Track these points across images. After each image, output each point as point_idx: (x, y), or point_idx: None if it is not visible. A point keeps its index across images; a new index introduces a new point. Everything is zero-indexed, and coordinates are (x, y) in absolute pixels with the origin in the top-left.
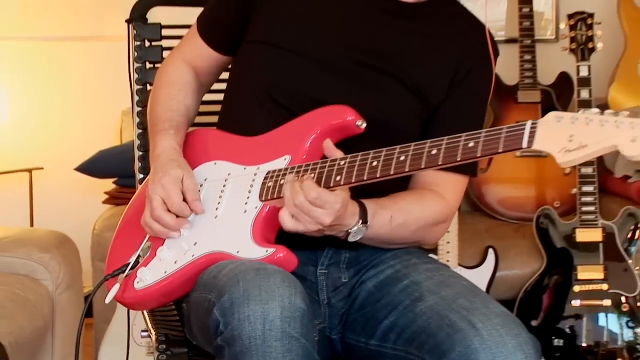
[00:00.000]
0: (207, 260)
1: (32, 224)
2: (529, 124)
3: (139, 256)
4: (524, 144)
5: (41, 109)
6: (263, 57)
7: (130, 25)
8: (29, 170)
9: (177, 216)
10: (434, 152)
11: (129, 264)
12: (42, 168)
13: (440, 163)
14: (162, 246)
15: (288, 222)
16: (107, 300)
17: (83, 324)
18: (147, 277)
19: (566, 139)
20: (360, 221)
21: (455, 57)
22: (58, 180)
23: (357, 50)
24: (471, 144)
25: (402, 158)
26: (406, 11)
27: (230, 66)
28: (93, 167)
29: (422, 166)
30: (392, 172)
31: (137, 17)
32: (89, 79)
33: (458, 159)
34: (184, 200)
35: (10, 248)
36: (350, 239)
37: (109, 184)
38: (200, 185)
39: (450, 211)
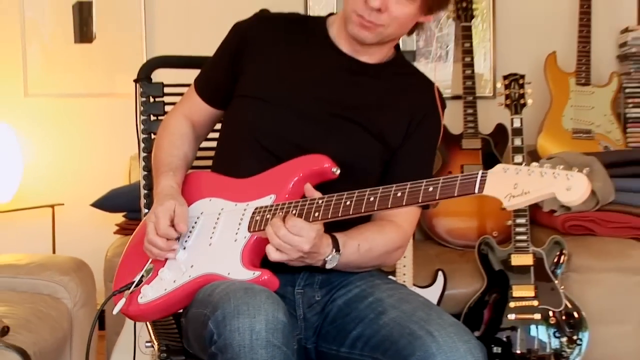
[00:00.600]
0: (202, 280)
1: (54, 251)
2: (480, 174)
3: (142, 276)
4: (476, 191)
5: (63, 154)
6: (251, 108)
7: (138, 84)
8: (52, 206)
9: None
10: (399, 194)
11: (133, 282)
12: (63, 204)
13: (404, 204)
14: (163, 268)
15: (274, 253)
16: (115, 312)
17: (93, 332)
18: (150, 293)
19: (511, 186)
20: (334, 250)
21: (410, 108)
22: (76, 214)
23: (330, 102)
24: (431, 189)
25: (372, 199)
26: (370, 71)
27: (222, 120)
28: (106, 203)
29: (389, 206)
30: (362, 210)
31: (143, 78)
32: (103, 128)
33: (420, 201)
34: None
35: (36, 272)
36: (328, 266)
37: (119, 217)
38: (197, 218)
39: (406, 237)
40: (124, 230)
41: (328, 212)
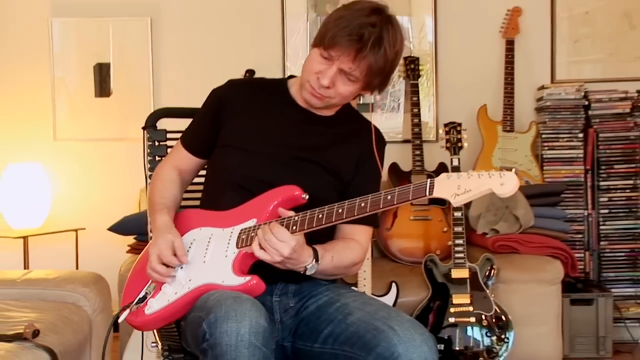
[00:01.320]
0: (200, 290)
1: (77, 267)
2: (428, 181)
3: (146, 293)
4: (427, 193)
5: (85, 187)
6: (231, 155)
7: (145, 131)
8: (75, 230)
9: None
10: (362, 204)
11: (138, 297)
12: (84, 228)
13: (368, 211)
14: (165, 284)
15: (258, 251)
16: (120, 320)
17: (110, 335)
18: (155, 305)
19: (455, 187)
20: (314, 260)
21: (357, 148)
22: (96, 237)
23: (293, 148)
24: (389, 197)
25: (340, 210)
26: (323, 121)
27: (206, 167)
28: (120, 228)
29: (355, 214)
30: (333, 220)
31: (149, 125)
32: (117, 167)
33: (381, 207)
34: (175, 255)
35: (62, 284)
36: (307, 272)
37: (130, 239)
38: (191, 244)
39: (365, 251)
40: (134, 249)
41: (304, 224)
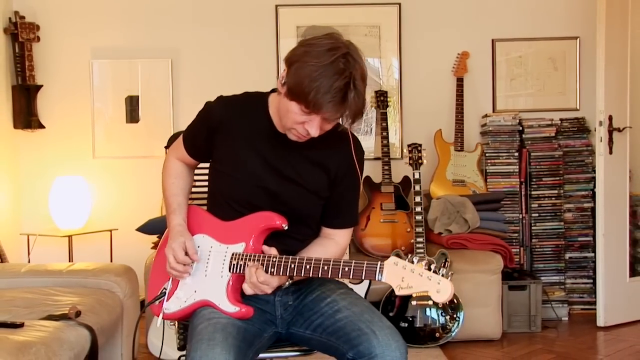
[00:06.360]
0: (202, 303)
1: (111, 260)
2: (379, 265)
3: (164, 289)
4: (377, 278)
5: (118, 195)
6: (221, 179)
7: (166, 149)
8: (110, 230)
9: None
10: (325, 267)
11: (160, 294)
12: (117, 229)
13: (329, 276)
14: (177, 290)
15: (248, 290)
16: (158, 324)
17: (140, 320)
18: (171, 307)
19: (400, 279)
20: (289, 279)
21: (336, 163)
22: (126, 236)
23: (275, 171)
24: (346, 269)
25: (308, 267)
26: (300, 143)
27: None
28: (146, 229)
29: (319, 275)
30: (302, 275)
31: (169, 145)
32: (144, 178)
33: (339, 276)
34: (187, 254)
35: (99, 274)
36: (283, 288)
37: (154, 238)
38: (197, 248)
39: (343, 250)
40: (157, 246)
41: (280, 269)
